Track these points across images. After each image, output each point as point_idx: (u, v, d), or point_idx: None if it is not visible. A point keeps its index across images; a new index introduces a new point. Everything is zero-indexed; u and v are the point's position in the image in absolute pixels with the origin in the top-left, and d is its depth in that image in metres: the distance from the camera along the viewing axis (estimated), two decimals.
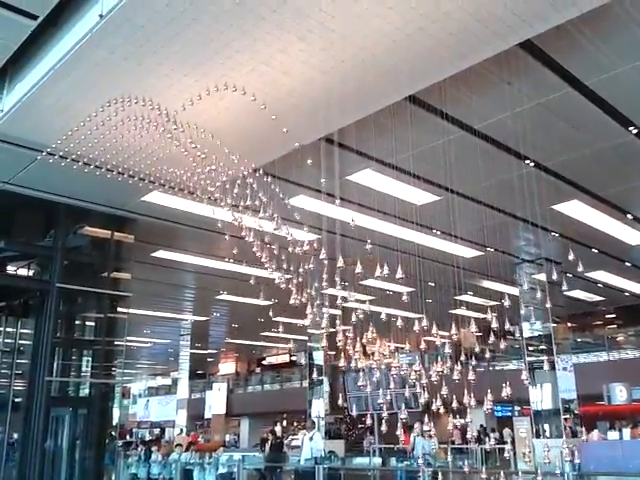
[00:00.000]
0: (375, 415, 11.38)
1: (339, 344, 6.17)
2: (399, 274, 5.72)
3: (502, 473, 5.84)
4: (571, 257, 6.41)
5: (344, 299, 6.24)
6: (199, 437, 25.48)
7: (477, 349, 6.67)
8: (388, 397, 6.83)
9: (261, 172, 7.05)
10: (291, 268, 6.66)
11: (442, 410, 5.58)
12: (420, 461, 11.20)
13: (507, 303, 6.27)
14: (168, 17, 5.58)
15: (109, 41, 5.92)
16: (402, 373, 6.71)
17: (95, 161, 7.96)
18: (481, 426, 22.60)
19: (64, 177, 8.85)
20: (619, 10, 6.28)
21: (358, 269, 5.85)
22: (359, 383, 6.89)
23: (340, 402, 14.52)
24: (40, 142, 7.88)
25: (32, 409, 9.54)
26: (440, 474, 8.07)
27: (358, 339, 6.18)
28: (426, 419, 6.08)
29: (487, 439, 18.61)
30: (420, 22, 5.69)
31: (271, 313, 9.20)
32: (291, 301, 6.37)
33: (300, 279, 6.46)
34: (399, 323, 6.13)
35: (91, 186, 9.30)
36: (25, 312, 10.80)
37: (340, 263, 5.79)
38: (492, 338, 6.16)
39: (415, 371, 5.98)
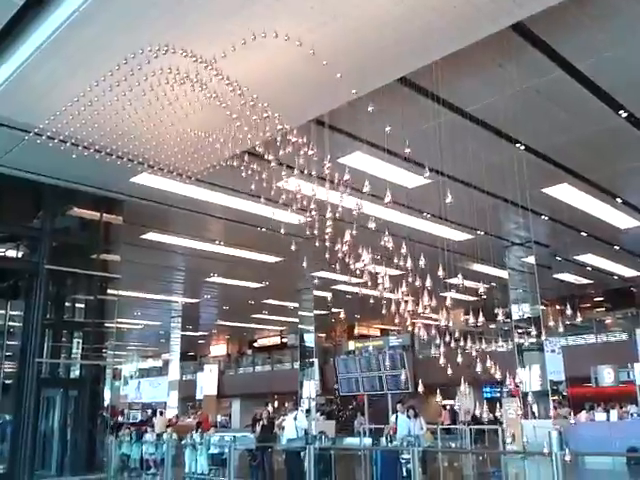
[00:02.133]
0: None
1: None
2: (387, 198, 5.87)
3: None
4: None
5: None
6: (209, 418, 25.25)
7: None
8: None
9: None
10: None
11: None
12: (405, 443, 11.25)
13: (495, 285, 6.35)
14: None
15: (101, 16, 5.78)
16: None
17: (84, 142, 7.87)
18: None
19: (52, 158, 8.75)
20: None
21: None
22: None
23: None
24: (28, 122, 7.75)
25: (23, 391, 9.53)
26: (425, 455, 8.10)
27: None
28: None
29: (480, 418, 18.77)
30: (412, 3, 5.63)
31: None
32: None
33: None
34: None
35: (80, 167, 9.20)
36: (15, 294, 10.74)
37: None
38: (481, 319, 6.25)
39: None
